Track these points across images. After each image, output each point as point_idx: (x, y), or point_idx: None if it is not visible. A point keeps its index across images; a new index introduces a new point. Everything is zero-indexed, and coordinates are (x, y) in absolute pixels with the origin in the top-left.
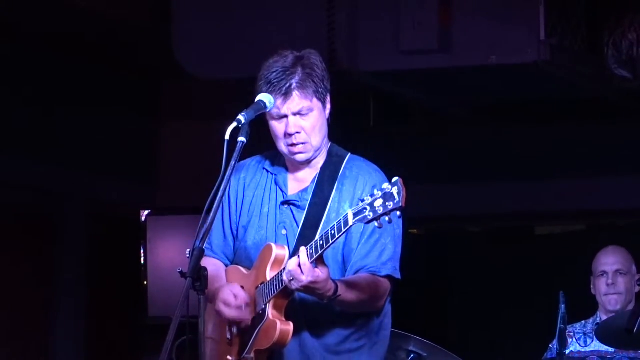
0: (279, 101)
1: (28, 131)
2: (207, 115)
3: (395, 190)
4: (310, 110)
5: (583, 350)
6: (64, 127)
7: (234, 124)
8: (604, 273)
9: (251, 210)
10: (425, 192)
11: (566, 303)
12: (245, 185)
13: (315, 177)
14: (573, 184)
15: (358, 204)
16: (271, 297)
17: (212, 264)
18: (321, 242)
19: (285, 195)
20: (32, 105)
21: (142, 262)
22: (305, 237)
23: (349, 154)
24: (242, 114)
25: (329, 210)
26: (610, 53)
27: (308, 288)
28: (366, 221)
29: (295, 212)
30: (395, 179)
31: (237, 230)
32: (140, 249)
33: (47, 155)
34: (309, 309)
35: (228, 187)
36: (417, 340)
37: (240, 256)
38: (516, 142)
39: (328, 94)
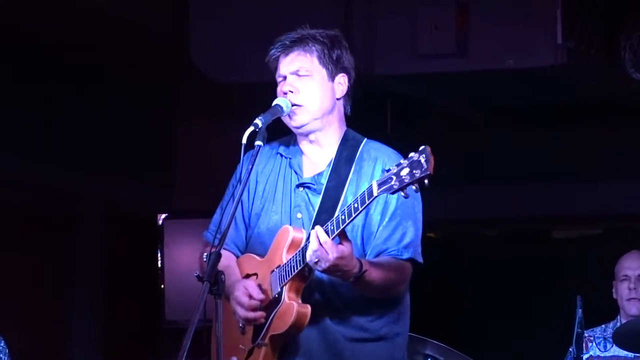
0: (280, 60)
1: (45, 133)
2: (224, 119)
3: (422, 158)
4: (310, 72)
5: (602, 355)
6: (80, 129)
7: (251, 128)
8: (626, 277)
9: (264, 195)
10: (442, 195)
11: (583, 307)
12: (259, 172)
13: (331, 160)
14: (590, 187)
15: (383, 174)
16: (288, 279)
17: (223, 257)
18: (342, 217)
19: (300, 178)
20: (49, 106)
21: (159, 265)
22: (321, 221)
23: (366, 139)
24: (259, 117)
25: (346, 192)
26: (628, 56)
27: (334, 266)
28: (392, 191)
29: (310, 196)
30: (422, 147)
31: (250, 219)
32: (157, 252)
33: (64, 157)
34: (330, 295)
35: (246, 189)
36: (433, 344)
37: (254, 244)
38: (533, 146)
39: (342, 72)
